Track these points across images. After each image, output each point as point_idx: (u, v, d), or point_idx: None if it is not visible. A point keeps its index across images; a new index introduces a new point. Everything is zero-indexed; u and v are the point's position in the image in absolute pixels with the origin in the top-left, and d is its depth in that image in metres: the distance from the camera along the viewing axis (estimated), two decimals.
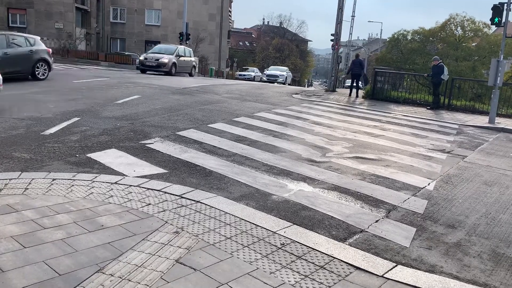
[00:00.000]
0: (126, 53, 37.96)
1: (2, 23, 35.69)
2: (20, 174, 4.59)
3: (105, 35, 44.16)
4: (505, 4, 13.09)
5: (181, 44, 30.18)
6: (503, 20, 13.15)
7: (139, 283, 2.67)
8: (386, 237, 3.89)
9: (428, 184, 5.68)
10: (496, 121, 12.87)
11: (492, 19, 13.39)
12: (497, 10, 13.23)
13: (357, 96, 18.24)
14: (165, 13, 43.78)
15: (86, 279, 2.66)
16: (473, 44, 38.43)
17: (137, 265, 2.88)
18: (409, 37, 40.45)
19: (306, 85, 68.72)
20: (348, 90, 20.17)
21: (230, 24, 54.06)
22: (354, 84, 18.60)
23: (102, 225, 3.45)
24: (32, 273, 2.67)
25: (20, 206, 3.69)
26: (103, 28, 43.82)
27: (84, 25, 39.98)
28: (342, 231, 3.94)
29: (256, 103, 12.81)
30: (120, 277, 2.71)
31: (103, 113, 8.73)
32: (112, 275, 2.73)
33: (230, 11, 51.18)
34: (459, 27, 39.10)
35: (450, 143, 8.98)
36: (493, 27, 33.26)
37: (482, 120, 13.33)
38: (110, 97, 11.17)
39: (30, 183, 4.29)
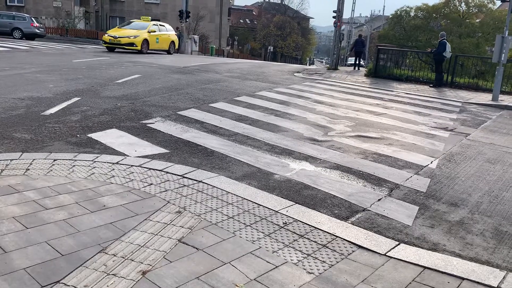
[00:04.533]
0: None
1: (0, 1, 35.18)
2: (21, 154, 4.57)
3: (104, 14, 43.60)
4: None
5: (181, 22, 29.79)
6: None
7: (142, 262, 2.67)
8: (389, 215, 3.89)
9: (431, 162, 5.65)
10: (499, 99, 12.76)
11: None
12: None
13: (358, 69, 21.10)
14: None
15: (89, 259, 2.66)
16: (477, 21, 37.82)
17: (139, 245, 2.88)
18: (412, 14, 39.83)
19: (307, 63, 68.13)
20: (350, 68, 22.52)
21: (230, 1, 53.25)
22: (357, 62, 21.88)
23: (104, 205, 3.44)
24: (35, 253, 2.67)
25: (21, 187, 3.68)
26: (102, 6, 43.25)
27: (83, 3, 39.42)
28: (344, 210, 3.94)
29: (257, 82, 12.70)
30: (123, 257, 2.71)
31: (104, 93, 8.67)
32: (114, 255, 2.73)
33: None
34: (463, 3, 38.44)
35: (453, 121, 8.92)
36: (498, 3, 32.70)
37: (486, 98, 13.21)
38: (110, 76, 11.07)
39: (31, 164, 4.27)
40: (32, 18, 27.44)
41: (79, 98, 7.93)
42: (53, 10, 36.40)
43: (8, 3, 36.00)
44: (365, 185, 4.62)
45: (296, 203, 3.89)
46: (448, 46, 14.92)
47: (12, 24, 25.77)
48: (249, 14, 77.29)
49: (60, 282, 2.42)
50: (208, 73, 13.95)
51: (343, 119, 8.06)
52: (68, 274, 2.49)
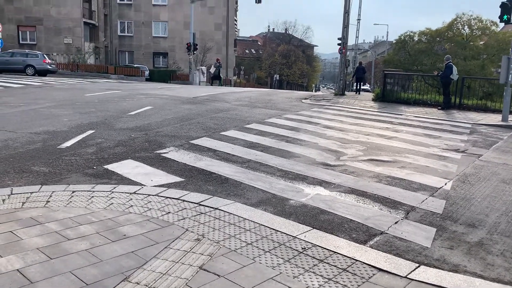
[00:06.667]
0: (135, 65, 38.36)
1: (13, 40, 36.33)
2: (41, 187, 4.66)
3: (114, 48, 44.71)
4: None
5: (189, 54, 30.34)
6: None
7: None
8: (407, 238, 3.88)
9: (445, 184, 5.64)
10: (509, 119, 12.74)
11: (500, 17, 13.30)
12: (505, 8, 13.14)
13: (359, 93, 23.10)
14: (172, 25, 44.22)
15: None
16: (481, 43, 38.09)
17: (161, 273, 2.90)
18: (415, 38, 40.22)
19: (313, 90, 68.73)
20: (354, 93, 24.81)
21: (236, 32, 54.39)
22: (358, 87, 24.04)
23: (125, 235, 3.49)
24: (61, 283, 2.71)
25: (43, 219, 3.75)
26: (111, 41, 44.39)
27: (93, 39, 40.53)
28: (362, 234, 3.94)
29: (266, 109, 12.85)
30: (146, 285, 2.74)
31: (117, 125, 8.83)
32: (138, 283, 2.76)
33: (235, 20, 51.50)
34: (466, 26, 38.83)
35: (464, 143, 8.91)
36: (501, 25, 33.00)
37: (495, 119, 13.20)
38: (122, 109, 11.29)
39: (51, 196, 4.36)
40: (44, 55, 28.23)
41: (93, 131, 8.09)
42: (64, 47, 37.46)
43: (21, 42, 37.17)
44: (381, 209, 4.63)
45: (314, 228, 3.90)
46: (455, 68, 15.05)
47: (26, 61, 26.51)
48: (254, 44, 78.72)
49: None
50: (218, 102, 14.16)
51: (354, 143, 8.10)
52: None
